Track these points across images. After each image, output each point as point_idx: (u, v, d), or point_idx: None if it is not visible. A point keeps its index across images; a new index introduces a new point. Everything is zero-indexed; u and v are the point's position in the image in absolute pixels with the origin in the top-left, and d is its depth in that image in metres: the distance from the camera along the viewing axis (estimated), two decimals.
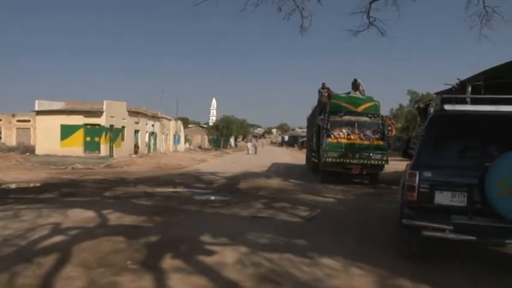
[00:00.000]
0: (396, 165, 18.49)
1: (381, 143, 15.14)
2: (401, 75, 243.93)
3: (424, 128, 5.66)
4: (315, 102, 20.25)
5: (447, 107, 5.38)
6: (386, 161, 15.01)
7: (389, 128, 15.62)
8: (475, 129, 5.30)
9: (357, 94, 17.27)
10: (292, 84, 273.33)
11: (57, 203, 9.45)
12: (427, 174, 4.98)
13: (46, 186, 12.78)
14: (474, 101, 6.77)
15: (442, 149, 5.27)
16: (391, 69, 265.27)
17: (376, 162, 14.84)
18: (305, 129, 47.92)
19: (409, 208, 5.17)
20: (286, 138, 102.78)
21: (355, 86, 17.50)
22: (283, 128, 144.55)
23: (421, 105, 16.24)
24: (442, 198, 4.91)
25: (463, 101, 7.66)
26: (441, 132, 5.41)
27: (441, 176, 4.99)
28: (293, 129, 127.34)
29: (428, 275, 4.82)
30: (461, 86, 12.93)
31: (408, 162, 6.12)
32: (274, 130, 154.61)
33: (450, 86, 13.75)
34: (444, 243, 5.41)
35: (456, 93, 12.73)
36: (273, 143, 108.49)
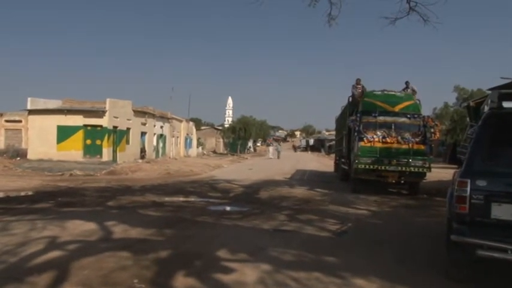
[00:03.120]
0: (440, 173, 18.28)
1: (422, 147, 14.89)
2: (447, 70, 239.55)
3: (477, 129, 5.51)
4: (344, 101, 20.13)
5: (506, 104, 5.23)
6: (429, 168, 14.76)
7: (433, 130, 15.36)
8: None
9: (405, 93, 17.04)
10: (318, 82, 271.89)
11: (53, 214, 9.55)
12: (481, 182, 4.83)
13: (40, 195, 12.94)
14: None
15: (499, 154, 5.13)
16: (435, 62, 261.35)
17: (417, 169, 14.61)
18: (333, 132, 47.81)
19: (459, 223, 5.02)
20: (312, 141, 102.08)
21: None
22: (307, 131, 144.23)
23: (472, 104, 15.84)
24: (501, 212, 4.75)
25: None
26: (498, 133, 5.26)
27: (499, 186, 4.83)
28: (319, 132, 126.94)
29: None
30: None
31: (456, 169, 5.97)
32: (297, 133, 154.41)
33: (509, 80, 13.39)
34: (502, 265, 5.24)
35: None
36: (294, 148, 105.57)
